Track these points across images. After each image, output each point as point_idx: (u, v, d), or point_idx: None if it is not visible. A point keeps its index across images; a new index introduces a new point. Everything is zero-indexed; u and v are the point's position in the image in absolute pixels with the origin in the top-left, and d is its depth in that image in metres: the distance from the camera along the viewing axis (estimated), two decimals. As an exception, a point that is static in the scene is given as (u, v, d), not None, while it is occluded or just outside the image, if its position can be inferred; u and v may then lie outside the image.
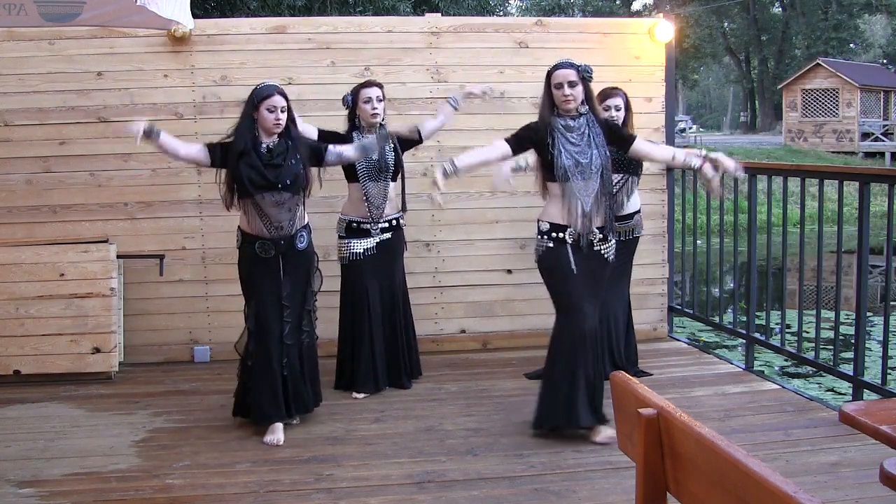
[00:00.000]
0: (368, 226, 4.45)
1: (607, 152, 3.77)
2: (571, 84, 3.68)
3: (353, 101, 4.45)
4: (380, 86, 4.46)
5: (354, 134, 4.44)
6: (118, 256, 5.00)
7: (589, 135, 3.73)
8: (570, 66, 3.71)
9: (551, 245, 3.75)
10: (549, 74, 3.75)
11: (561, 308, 3.80)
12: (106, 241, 5.02)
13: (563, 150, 3.68)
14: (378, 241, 4.47)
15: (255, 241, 3.84)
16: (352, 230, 4.47)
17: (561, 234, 3.74)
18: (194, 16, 4.82)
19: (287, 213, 3.83)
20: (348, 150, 4.09)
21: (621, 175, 4.53)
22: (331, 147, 4.04)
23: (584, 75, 3.72)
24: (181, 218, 5.14)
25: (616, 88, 4.60)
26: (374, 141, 4.17)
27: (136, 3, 4.11)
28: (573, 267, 3.70)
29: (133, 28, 4.79)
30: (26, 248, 4.92)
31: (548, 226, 3.77)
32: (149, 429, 4.00)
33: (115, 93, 5.04)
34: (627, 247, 4.67)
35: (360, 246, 4.46)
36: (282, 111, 3.77)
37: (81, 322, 4.80)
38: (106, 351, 4.80)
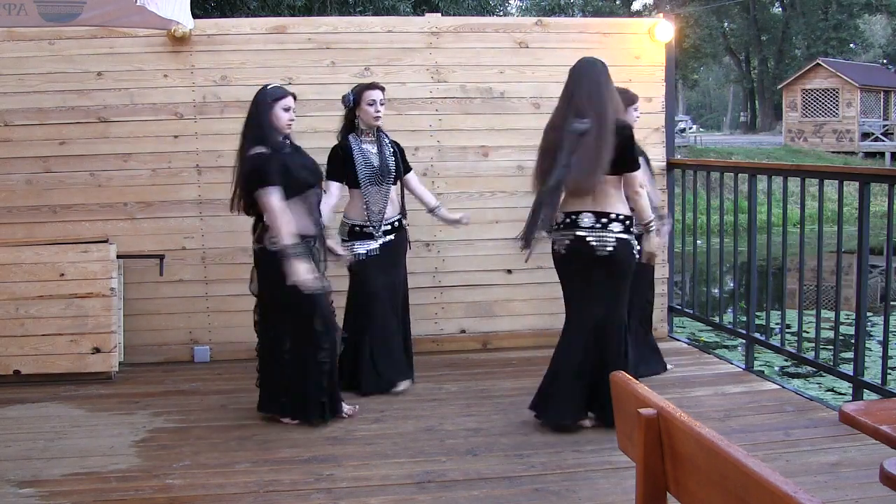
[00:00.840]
0: (371, 229, 4.45)
1: None
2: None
3: (354, 102, 4.42)
4: (382, 89, 4.49)
5: (351, 137, 4.43)
6: (118, 256, 5.00)
7: None
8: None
9: (636, 241, 3.84)
10: (607, 69, 3.82)
11: (624, 304, 3.88)
12: (106, 241, 5.02)
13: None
14: (381, 242, 4.47)
15: (301, 240, 3.80)
16: (354, 233, 4.47)
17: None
18: (194, 16, 4.82)
19: (316, 204, 4.00)
20: (324, 204, 4.14)
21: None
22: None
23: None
24: (181, 218, 5.14)
25: (632, 92, 4.65)
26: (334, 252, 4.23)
27: (136, 3, 4.11)
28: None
29: (133, 28, 4.79)
30: (26, 248, 4.92)
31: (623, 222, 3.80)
32: (149, 429, 4.00)
33: (115, 93, 5.03)
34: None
35: (363, 247, 4.46)
36: (293, 111, 3.93)
37: (81, 322, 4.80)
38: (106, 351, 4.80)
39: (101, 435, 3.93)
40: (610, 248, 3.73)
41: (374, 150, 4.44)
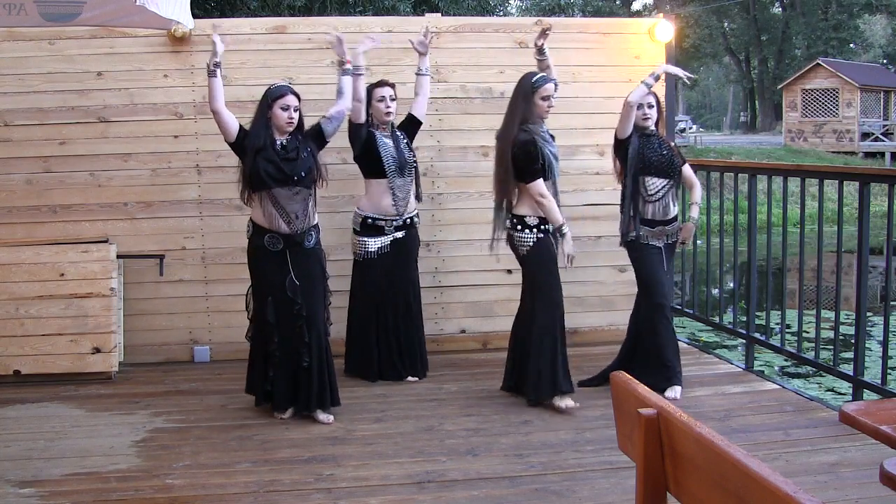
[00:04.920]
0: (383, 223, 4.57)
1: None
2: (553, 97, 4.25)
3: (366, 100, 4.49)
4: (392, 85, 4.58)
5: (371, 129, 4.55)
6: (118, 256, 5.00)
7: (546, 133, 4.28)
8: (552, 80, 4.26)
9: (542, 236, 4.20)
10: (536, 87, 4.18)
11: (544, 298, 4.21)
12: (106, 241, 5.02)
13: (548, 153, 4.18)
14: (392, 238, 4.58)
15: (265, 234, 3.99)
16: (367, 227, 4.57)
17: (547, 226, 4.20)
18: (194, 16, 4.82)
19: (300, 205, 3.98)
20: (337, 107, 4.17)
21: (668, 179, 4.44)
22: (323, 121, 4.16)
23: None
24: (181, 218, 5.14)
25: None
26: (346, 81, 4.20)
27: (136, 3, 4.11)
28: (557, 256, 4.21)
29: (133, 28, 4.79)
30: (26, 248, 4.91)
31: (536, 220, 4.19)
32: (149, 429, 4.00)
33: (115, 93, 5.03)
34: (672, 250, 4.62)
35: (375, 244, 4.58)
36: (294, 110, 3.97)
37: (81, 322, 4.80)
38: (106, 351, 4.80)
39: (101, 435, 3.93)
40: (524, 249, 4.22)
41: (391, 144, 4.55)
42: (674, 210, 4.52)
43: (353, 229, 4.65)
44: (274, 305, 4.01)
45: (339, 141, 5.05)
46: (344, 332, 4.81)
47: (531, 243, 4.19)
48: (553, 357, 4.17)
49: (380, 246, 4.59)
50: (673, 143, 4.63)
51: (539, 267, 4.23)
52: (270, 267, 4.01)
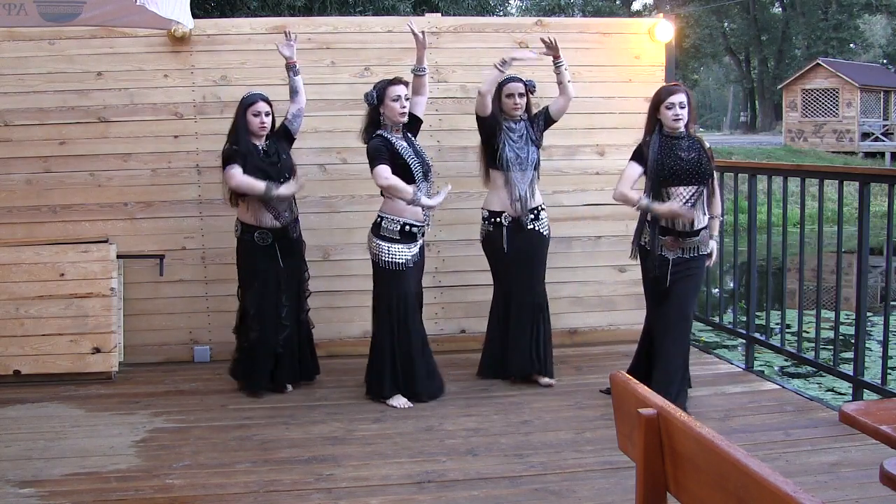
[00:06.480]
0: (416, 229, 4.29)
1: (539, 150, 4.56)
2: (521, 95, 4.47)
3: (378, 99, 4.23)
4: (406, 84, 4.31)
5: (384, 133, 4.25)
6: (118, 256, 5.00)
7: (526, 135, 4.49)
8: (520, 80, 4.48)
9: (491, 229, 4.55)
10: (502, 86, 4.45)
11: (495, 280, 4.69)
12: (106, 241, 5.01)
13: (506, 145, 4.43)
14: (419, 245, 4.37)
15: (254, 230, 4.29)
16: (405, 234, 4.26)
17: (498, 220, 4.52)
18: (194, 16, 4.81)
19: (286, 202, 4.35)
20: (296, 105, 4.45)
21: (696, 186, 4.00)
22: (286, 122, 4.44)
23: (530, 89, 4.51)
24: (181, 218, 5.14)
25: (677, 84, 4.30)
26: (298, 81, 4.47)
27: (136, 3, 4.10)
28: (504, 247, 4.49)
29: (133, 28, 4.79)
30: (26, 248, 4.91)
31: (487, 213, 4.58)
32: (149, 429, 4.00)
33: (115, 93, 5.03)
34: (690, 265, 4.08)
35: (412, 250, 4.30)
36: (265, 115, 4.26)
37: (81, 322, 4.80)
38: (106, 351, 4.80)
39: (101, 435, 3.93)
40: (479, 237, 4.68)
41: (409, 148, 4.30)
42: (702, 222, 4.04)
43: (387, 237, 4.23)
44: (259, 292, 4.29)
45: (339, 141, 5.08)
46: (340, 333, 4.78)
47: (483, 234, 4.63)
48: (500, 340, 4.63)
49: (416, 252, 4.32)
50: (707, 146, 4.14)
51: (488, 257, 4.68)
52: (259, 256, 4.32)
